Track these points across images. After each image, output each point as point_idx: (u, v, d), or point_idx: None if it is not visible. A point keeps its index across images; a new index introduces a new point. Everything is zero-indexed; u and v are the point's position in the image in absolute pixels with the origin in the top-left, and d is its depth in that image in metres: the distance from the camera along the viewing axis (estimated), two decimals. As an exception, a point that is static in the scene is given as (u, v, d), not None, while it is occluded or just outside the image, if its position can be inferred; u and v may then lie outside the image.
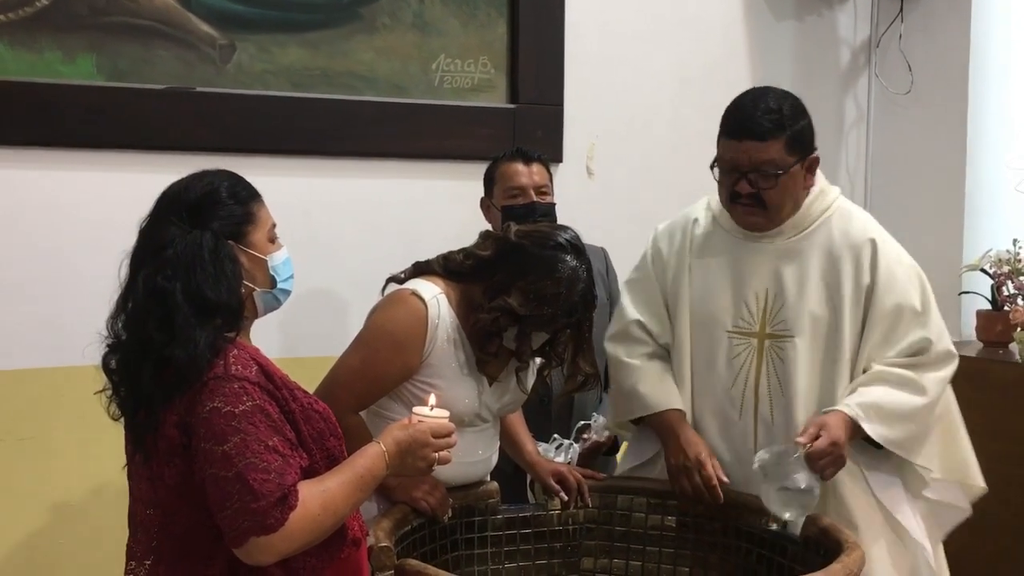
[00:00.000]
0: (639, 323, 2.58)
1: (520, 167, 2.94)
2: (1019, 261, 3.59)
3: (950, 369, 2.45)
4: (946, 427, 2.52)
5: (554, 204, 2.97)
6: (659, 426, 2.50)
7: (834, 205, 2.50)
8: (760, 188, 2.38)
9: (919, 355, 2.41)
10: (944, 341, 2.45)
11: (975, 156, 3.88)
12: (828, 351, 2.42)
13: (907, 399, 2.37)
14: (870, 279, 2.42)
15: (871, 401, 2.35)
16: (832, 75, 4.15)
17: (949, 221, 3.89)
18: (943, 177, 3.92)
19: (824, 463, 2.27)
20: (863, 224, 2.49)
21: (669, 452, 2.45)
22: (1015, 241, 3.61)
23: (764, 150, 2.35)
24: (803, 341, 2.42)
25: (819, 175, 2.51)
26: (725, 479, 2.40)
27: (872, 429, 2.34)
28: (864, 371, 2.42)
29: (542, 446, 2.62)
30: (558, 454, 2.65)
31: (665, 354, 2.58)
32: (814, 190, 2.49)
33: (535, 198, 2.91)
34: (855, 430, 2.33)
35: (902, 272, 2.44)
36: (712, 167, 2.45)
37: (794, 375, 2.42)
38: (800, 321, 2.43)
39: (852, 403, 2.35)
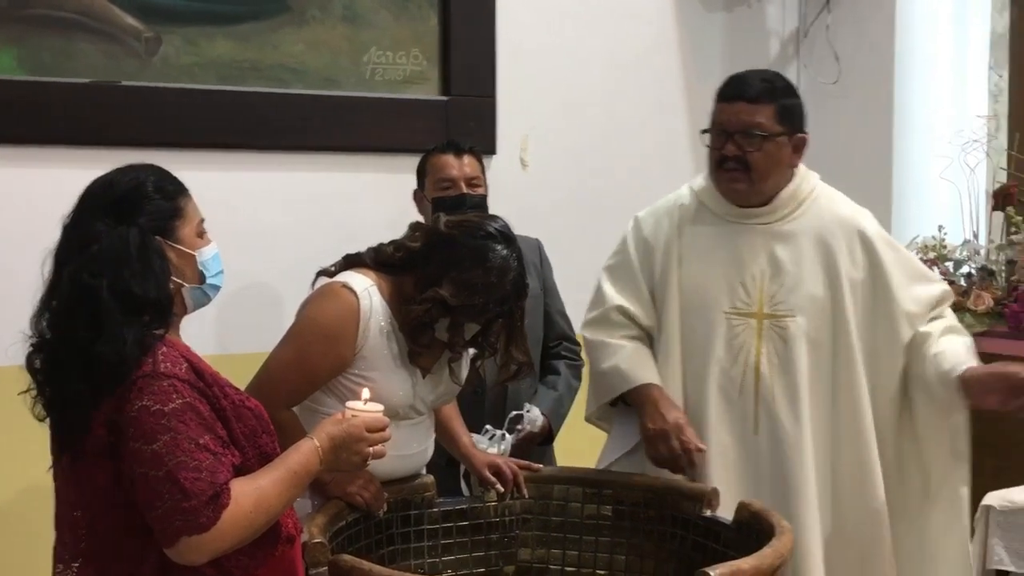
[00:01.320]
0: (620, 308, 2.61)
1: (451, 159, 2.94)
2: (944, 247, 3.66)
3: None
4: None
5: (485, 196, 2.97)
6: (637, 398, 2.52)
7: (817, 188, 2.61)
8: (746, 151, 2.47)
9: (943, 304, 2.59)
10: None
11: (901, 144, 3.95)
12: (833, 330, 2.51)
13: (968, 340, 2.55)
14: (866, 265, 2.54)
15: (962, 351, 2.48)
16: (761, 65, 4.14)
17: (877, 208, 3.89)
18: (871, 165, 3.98)
19: None
20: (849, 208, 2.62)
21: (646, 418, 2.47)
22: (940, 227, 3.68)
23: (753, 112, 2.47)
24: (805, 319, 2.50)
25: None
26: (702, 446, 2.43)
27: None
28: (898, 336, 2.53)
29: (475, 437, 2.62)
30: (491, 445, 2.65)
31: (646, 337, 2.61)
32: (799, 174, 2.59)
33: (466, 190, 2.91)
34: None
35: (893, 246, 2.62)
36: (703, 133, 2.55)
37: (797, 353, 2.49)
38: (801, 300, 2.51)
39: (965, 361, 2.45)
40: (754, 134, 2.47)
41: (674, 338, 2.56)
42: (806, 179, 2.61)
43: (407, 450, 2.35)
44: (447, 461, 2.62)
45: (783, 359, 2.50)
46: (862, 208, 2.64)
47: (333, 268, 2.37)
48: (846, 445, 2.52)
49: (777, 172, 2.53)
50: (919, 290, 2.56)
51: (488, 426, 2.72)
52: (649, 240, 2.62)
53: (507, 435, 2.72)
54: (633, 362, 2.55)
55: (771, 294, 2.52)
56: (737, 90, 2.50)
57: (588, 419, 2.77)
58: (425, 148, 3.04)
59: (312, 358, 2.25)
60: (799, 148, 2.55)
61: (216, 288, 1.95)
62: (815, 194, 2.60)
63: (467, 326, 2.28)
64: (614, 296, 2.62)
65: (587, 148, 3.83)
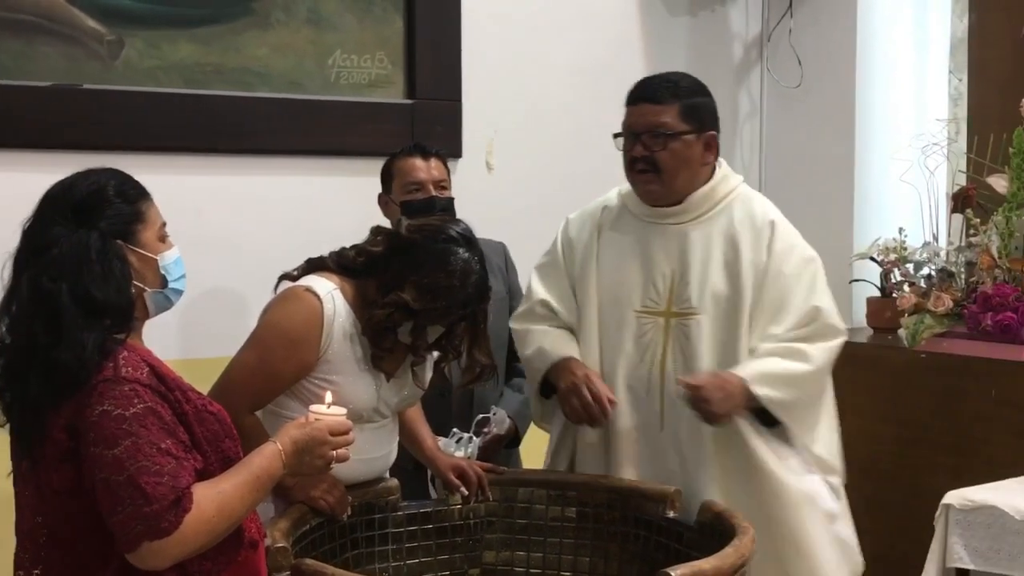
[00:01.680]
0: (544, 303, 2.67)
1: (418, 162, 2.94)
2: (905, 249, 3.70)
3: (837, 342, 2.55)
4: (827, 410, 2.61)
5: (453, 199, 2.97)
6: (556, 373, 2.57)
7: (737, 190, 2.61)
8: (653, 151, 2.50)
9: (809, 325, 2.50)
10: (834, 316, 2.56)
11: (863, 147, 3.99)
12: (729, 328, 2.50)
13: (792, 366, 2.47)
14: (766, 257, 2.51)
15: (758, 369, 2.44)
16: (725, 69, 4.22)
17: (839, 211, 3.99)
18: (833, 168, 4.02)
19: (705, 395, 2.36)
20: (764, 207, 2.61)
21: (560, 381, 2.52)
22: (901, 230, 3.72)
23: (657, 113, 2.51)
24: (707, 318, 2.51)
25: (723, 163, 2.62)
26: (612, 397, 2.47)
27: (759, 391, 2.42)
28: (752, 350, 2.49)
29: (442, 441, 2.62)
30: (458, 448, 2.65)
31: (569, 330, 2.65)
32: (718, 175, 2.59)
33: (434, 192, 2.91)
34: (746, 394, 2.42)
35: (797, 253, 2.56)
36: (616, 138, 2.59)
37: (698, 352, 2.50)
38: (703, 299, 2.51)
39: (741, 371, 2.44)
40: (659, 133, 2.50)
41: (592, 336, 2.60)
42: (726, 180, 2.60)
43: (371, 454, 2.35)
44: (415, 465, 2.62)
45: (687, 357, 2.51)
46: (781, 215, 2.60)
47: (296, 272, 2.36)
48: (743, 442, 2.49)
49: (687, 170, 2.54)
50: (788, 302, 2.50)
51: (455, 429, 2.73)
52: (573, 240, 2.69)
53: (474, 438, 2.73)
54: (554, 343, 2.61)
55: (679, 293, 2.54)
56: (641, 93, 2.57)
57: (535, 422, 2.80)
58: (391, 152, 3.04)
59: (275, 362, 2.25)
60: (711, 146, 2.56)
61: (178, 292, 1.94)
62: (734, 195, 2.60)
63: (430, 329, 2.29)
64: (540, 292, 2.69)
65: (552, 151, 3.84)
